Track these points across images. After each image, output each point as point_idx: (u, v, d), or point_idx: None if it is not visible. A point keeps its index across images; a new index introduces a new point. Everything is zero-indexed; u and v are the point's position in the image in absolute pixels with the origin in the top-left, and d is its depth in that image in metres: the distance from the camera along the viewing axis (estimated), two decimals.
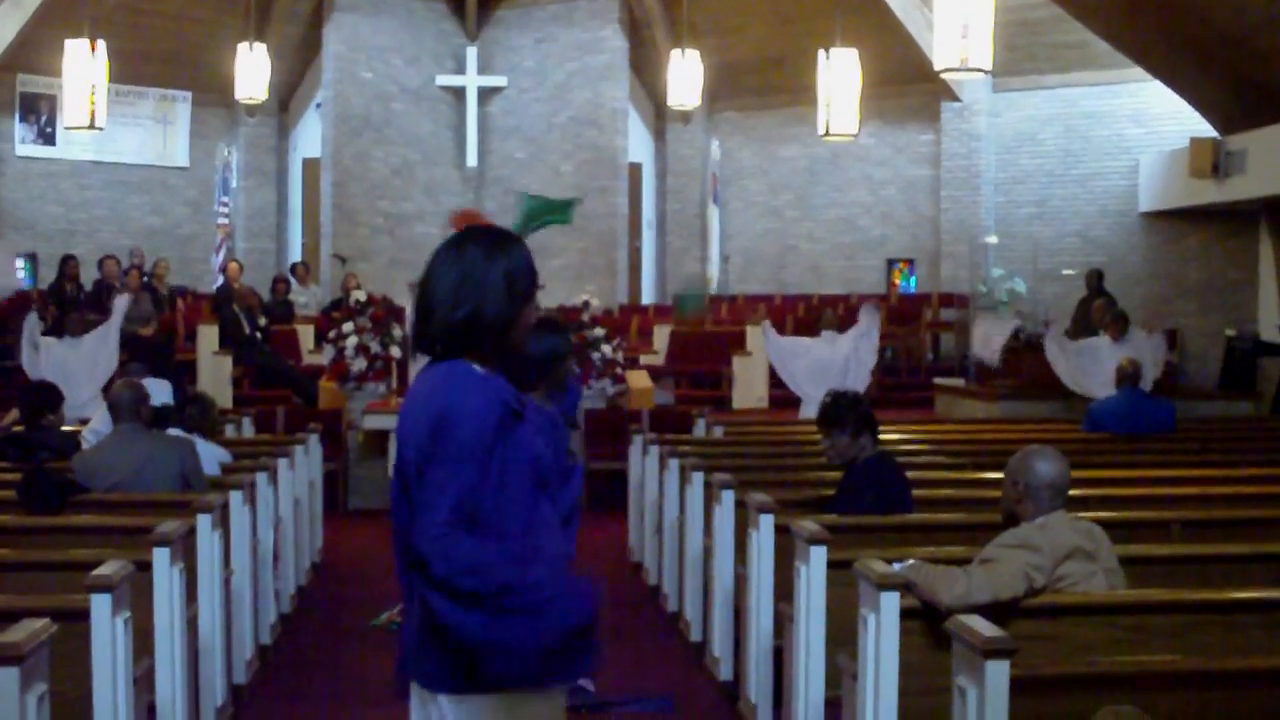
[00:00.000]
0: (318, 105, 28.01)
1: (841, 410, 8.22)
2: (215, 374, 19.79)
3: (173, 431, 9.78)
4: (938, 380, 22.10)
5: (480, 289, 4.07)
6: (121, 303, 18.26)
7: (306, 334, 21.94)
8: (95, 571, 6.11)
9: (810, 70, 22.31)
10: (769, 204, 28.03)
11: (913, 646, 6.00)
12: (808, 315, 22.95)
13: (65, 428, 11.21)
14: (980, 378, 20.86)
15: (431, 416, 3.98)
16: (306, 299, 24.55)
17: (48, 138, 25.83)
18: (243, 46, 23.64)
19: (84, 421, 12.21)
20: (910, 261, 26.94)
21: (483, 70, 28.64)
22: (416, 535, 3.94)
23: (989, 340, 20.05)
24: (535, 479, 4.06)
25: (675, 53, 25.04)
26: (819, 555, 6.99)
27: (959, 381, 21.53)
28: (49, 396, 10.73)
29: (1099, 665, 5.73)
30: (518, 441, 4.01)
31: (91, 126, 21.60)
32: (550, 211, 13.16)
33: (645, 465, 12.45)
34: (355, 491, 15.97)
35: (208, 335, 20.33)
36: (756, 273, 28.11)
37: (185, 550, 7.49)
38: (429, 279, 4.16)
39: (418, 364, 4.27)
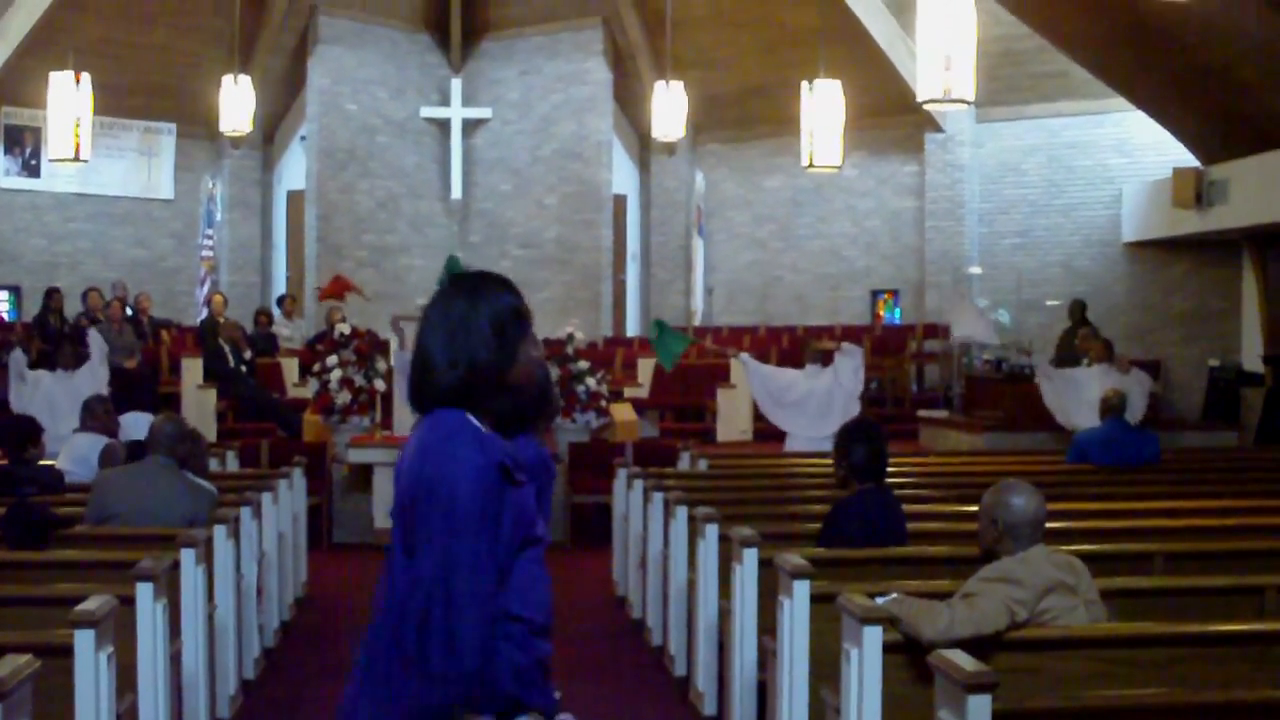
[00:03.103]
0: (302, 138, 28.03)
1: (843, 442, 8.24)
2: (199, 407, 19.75)
3: (191, 476, 9.73)
4: (922, 412, 22.10)
5: (469, 341, 3.97)
6: (95, 336, 18.27)
7: (291, 367, 21.90)
8: (78, 607, 6.10)
9: (794, 101, 22.36)
10: (753, 235, 28.07)
11: (896, 680, 6.01)
12: (792, 346, 22.97)
13: (45, 461, 11.19)
14: (967, 407, 20.86)
15: (427, 480, 3.87)
16: (291, 332, 24.51)
17: (32, 170, 25.80)
18: (227, 79, 23.63)
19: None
20: (895, 292, 26.97)
21: (467, 102, 28.70)
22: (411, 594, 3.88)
23: (971, 323, 20.02)
24: (524, 539, 4.01)
25: (659, 84, 25.07)
26: (802, 589, 6.99)
27: (944, 413, 21.53)
28: (31, 430, 10.71)
29: (1081, 699, 5.74)
30: (510, 504, 3.92)
31: (76, 159, 21.63)
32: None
33: (629, 499, 12.44)
34: (339, 525, 15.93)
35: (192, 368, 20.31)
36: (741, 304, 28.13)
37: (169, 585, 7.48)
38: (421, 338, 4.07)
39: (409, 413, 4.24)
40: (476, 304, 4.01)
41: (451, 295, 4.07)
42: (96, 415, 11.65)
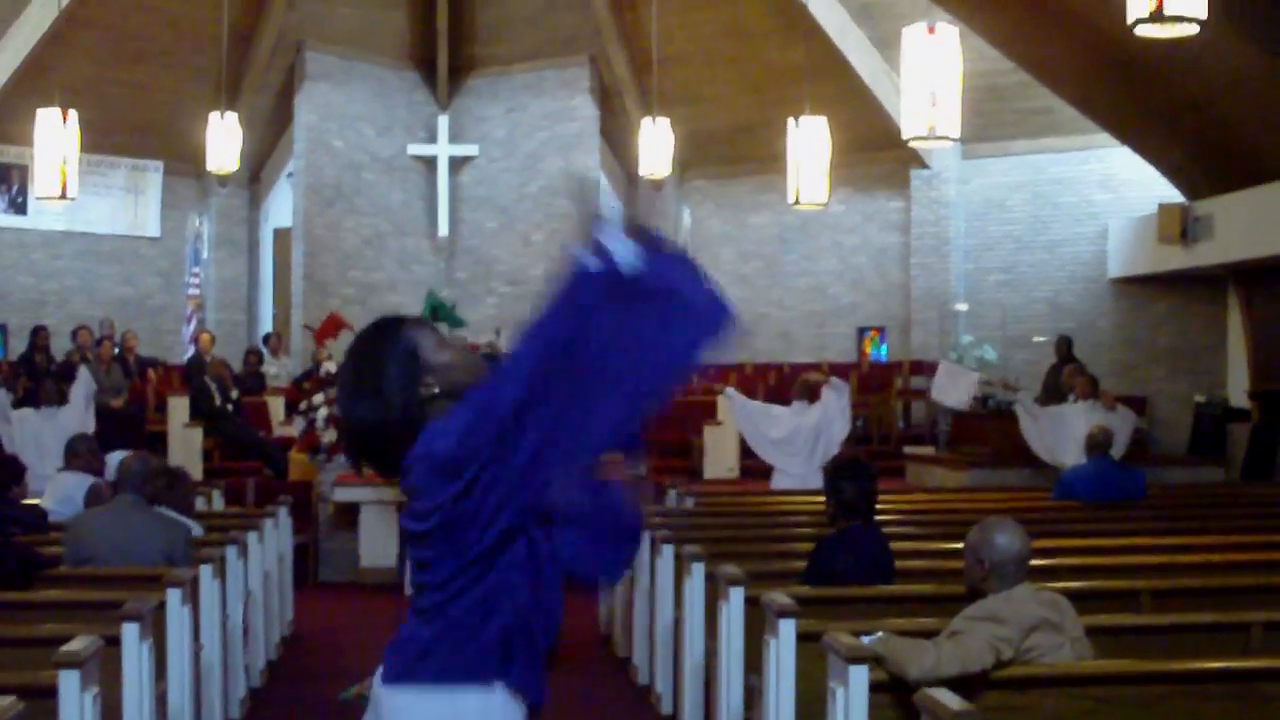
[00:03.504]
0: (289, 175, 28.02)
1: (832, 479, 8.27)
2: (186, 446, 19.71)
3: (162, 510, 9.73)
4: (908, 449, 22.10)
5: (378, 388, 4.07)
6: (83, 374, 18.27)
7: (277, 405, 21.86)
8: (63, 647, 6.10)
9: (780, 138, 22.40)
10: (739, 271, 28.04)
11: (882, 719, 6.00)
12: (778, 383, 22.96)
13: (29, 500, 11.18)
14: (953, 444, 20.87)
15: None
16: (277, 370, 24.50)
17: (19, 207, 25.76)
18: (214, 116, 23.61)
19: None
20: (881, 329, 26.97)
21: (454, 140, 28.72)
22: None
23: (953, 386, 19.98)
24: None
25: (646, 121, 25.10)
26: (788, 628, 6.99)
27: (930, 450, 21.54)
28: (14, 469, 10.72)
29: None
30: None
31: (63, 196, 21.61)
32: None
33: None
34: (326, 564, 15.91)
35: (178, 407, 20.27)
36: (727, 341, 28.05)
37: (154, 625, 7.46)
38: (348, 414, 4.18)
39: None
40: (369, 370, 4.10)
41: (351, 368, 4.17)
42: (81, 455, 11.63)
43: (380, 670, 4.09)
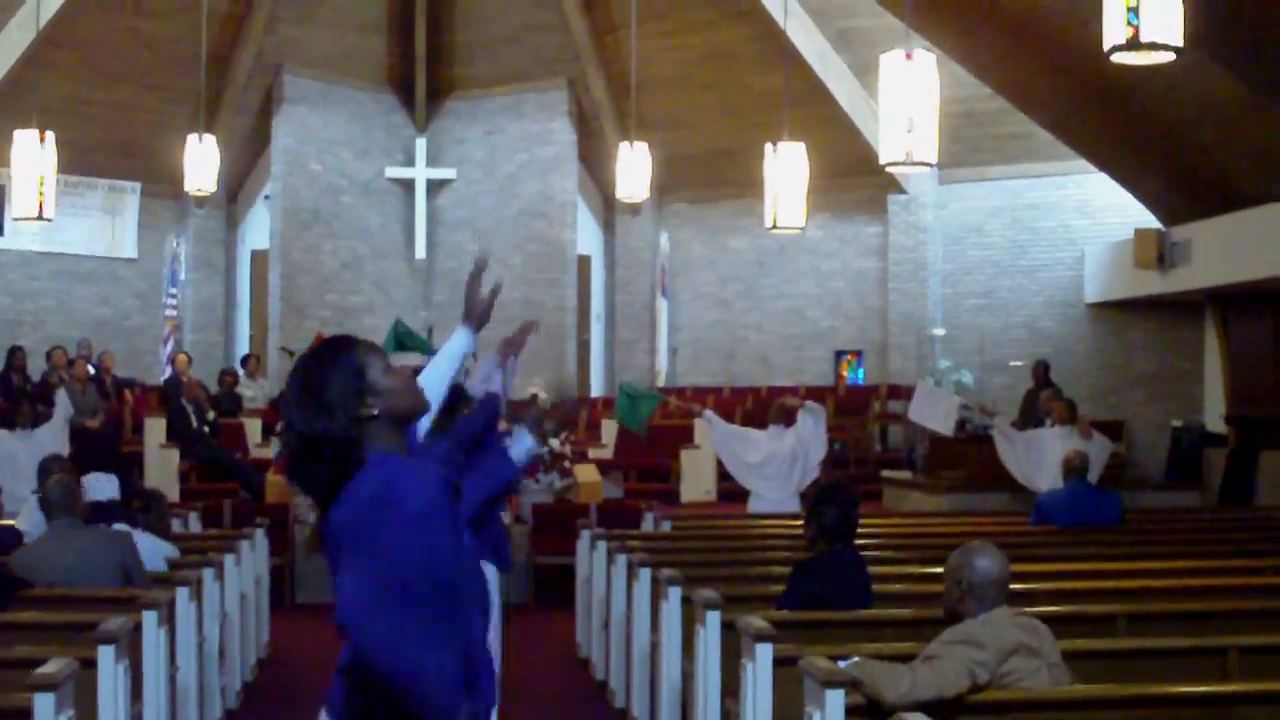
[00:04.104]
0: (266, 197, 28.02)
1: (813, 503, 8.28)
2: (162, 467, 19.69)
3: (118, 526, 9.69)
4: (885, 473, 22.12)
5: (325, 413, 4.09)
6: (62, 396, 18.23)
7: (254, 427, 21.85)
8: (38, 670, 6.07)
9: (758, 163, 22.42)
10: (717, 295, 28.11)
11: None
12: (756, 407, 22.98)
13: (4, 522, 11.13)
14: (930, 468, 20.89)
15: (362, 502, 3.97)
16: (254, 392, 24.46)
17: None
18: (192, 138, 23.57)
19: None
20: (858, 353, 27.03)
21: (432, 162, 28.76)
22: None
23: (932, 409, 19.93)
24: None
25: (624, 145, 25.07)
26: (765, 652, 6.99)
27: (907, 474, 21.55)
28: None
29: None
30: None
31: (40, 217, 21.54)
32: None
33: (593, 560, 12.42)
34: (302, 586, 15.86)
35: (155, 428, 20.25)
36: (705, 364, 28.15)
37: (130, 647, 7.43)
38: (291, 430, 4.22)
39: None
40: (314, 385, 4.14)
41: (295, 385, 4.20)
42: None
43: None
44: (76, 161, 24.62)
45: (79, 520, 9.05)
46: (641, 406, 16.31)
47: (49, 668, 6.09)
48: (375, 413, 4.09)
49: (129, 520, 10.02)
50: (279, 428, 17.02)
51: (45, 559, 8.81)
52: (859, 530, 8.56)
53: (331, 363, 4.15)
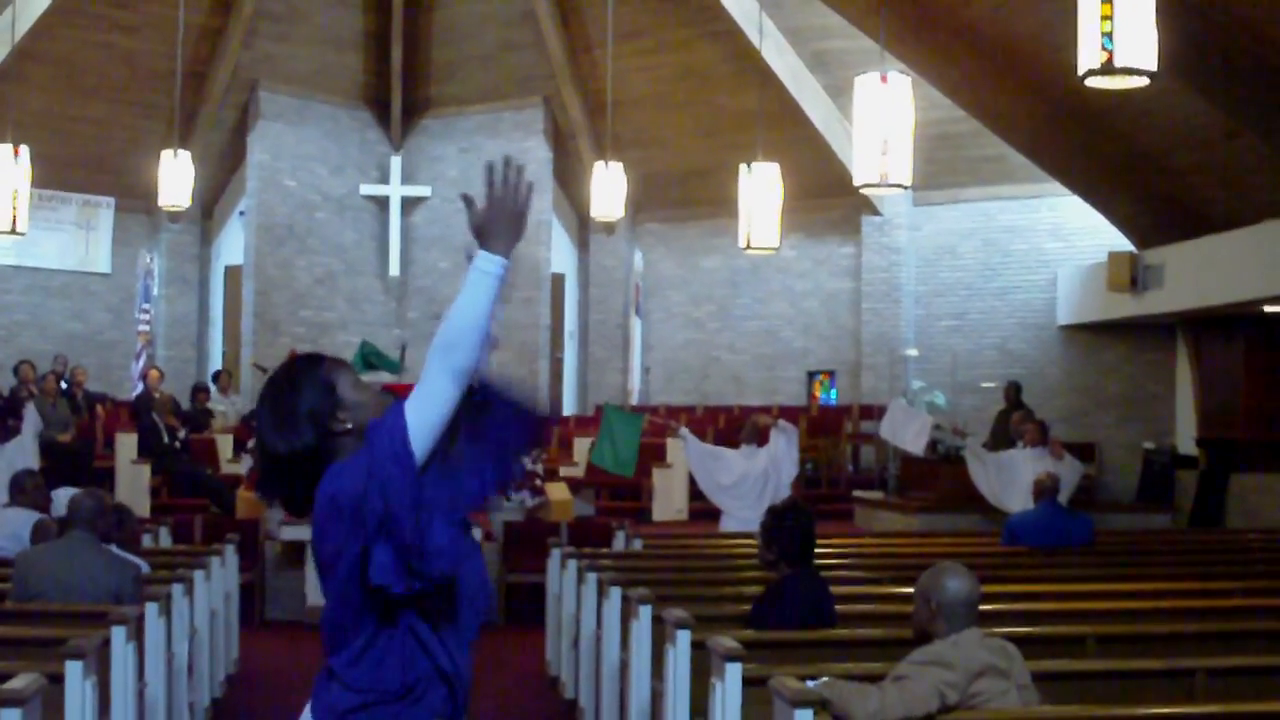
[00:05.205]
0: (241, 213, 27.96)
1: (770, 526, 8.27)
2: (133, 482, 19.65)
3: (113, 549, 9.64)
4: (857, 493, 22.17)
5: (295, 428, 4.16)
6: (30, 410, 18.19)
7: (225, 443, 21.78)
8: (5, 685, 6.05)
9: (732, 183, 22.49)
10: (690, 315, 28.14)
11: None
12: (729, 426, 22.98)
13: None
14: (902, 488, 20.92)
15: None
16: (226, 408, 24.41)
17: None
18: (166, 153, 23.55)
19: None
20: (831, 373, 27.04)
21: (406, 180, 28.74)
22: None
23: (905, 428, 19.91)
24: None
25: (599, 164, 25.09)
26: (734, 672, 6.99)
27: (879, 494, 21.59)
28: None
29: None
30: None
31: (13, 231, 21.54)
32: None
33: (563, 579, 12.41)
34: (272, 602, 15.82)
35: (126, 443, 20.20)
36: (678, 383, 28.16)
37: (99, 663, 7.40)
38: (263, 445, 4.27)
39: None
40: (285, 400, 4.21)
41: (267, 400, 4.27)
42: (26, 490, 11.53)
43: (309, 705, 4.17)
44: (51, 175, 24.58)
45: (97, 539, 9.02)
46: (622, 444, 16.30)
47: (16, 683, 6.07)
48: (348, 426, 4.12)
49: (102, 536, 9.98)
50: (250, 445, 16.98)
51: (49, 566, 8.78)
52: (829, 549, 8.58)
53: (302, 379, 4.20)
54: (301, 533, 15.06)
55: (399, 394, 4.16)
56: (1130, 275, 21.52)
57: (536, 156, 28.11)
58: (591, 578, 10.94)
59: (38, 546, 9.46)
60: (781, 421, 16.08)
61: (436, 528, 3.89)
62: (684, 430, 16.54)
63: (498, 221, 4.19)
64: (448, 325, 4.00)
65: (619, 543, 14.37)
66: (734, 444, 16.16)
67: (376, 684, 4.04)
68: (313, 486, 4.06)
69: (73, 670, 6.92)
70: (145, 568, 10.40)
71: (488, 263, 4.07)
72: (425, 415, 3.94)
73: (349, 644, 4.05)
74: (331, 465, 4.06)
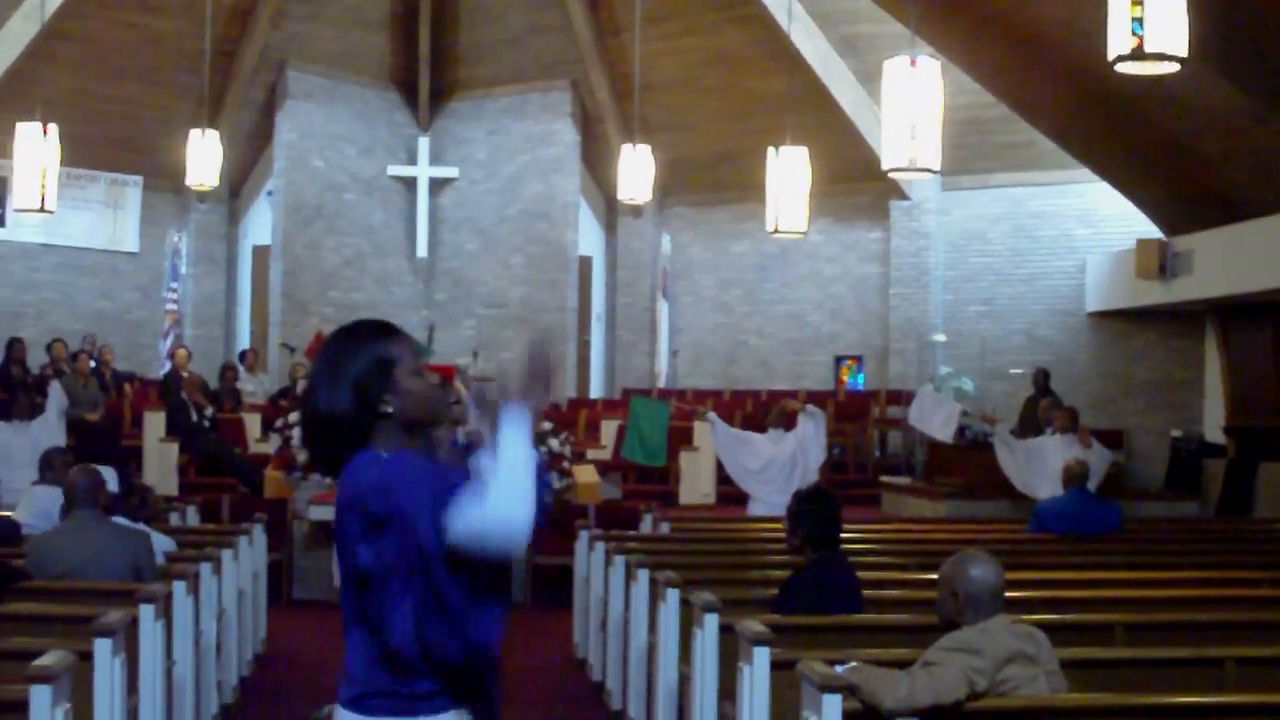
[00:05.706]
0: (269, 193, 27.98)
1: (796, 510, 8.25)
2: (161, 461, 19.68)
3: (118, 520, 9.67)
4: (884, 478, 22.12)
5: (336, 394, 4.12)
6: (55, 389, 18.22)
7: (253, 422, 21.79)
8: (36, 662, 6.05)
9: (760, 167, 22.43)
10: (719, 299, 28.11)
11: None
12: (756, 411, 22.94)
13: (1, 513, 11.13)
14: (929, 474, 20.88)
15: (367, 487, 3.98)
16: (254, 387, 24.43)
17: None
18: (195, 133, 23.54)
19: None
20: (858, 358, 27.01)
21: (434, 161, 28.74)
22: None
23: (933, 415, 19.84)
24: None
25: (626, 147, 25.04)
26: (762, 656, 6.97)
27: (906, 479, 21.54)
28: None
29: None
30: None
31: (42, 209, 21.55)
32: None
33: (591, 561, 12.42)
34: (299, 582, 15.84)
35: (154, 422, 20.22)
36: (706, 368, 28.13)
37: (128, 641, 7.41)
38: (309, 396, 4.23)
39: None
40: (343, 360, 4.15)
41: (325, 352, 4.23)
42: (56, 468, 11.55)
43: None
44: (79, 154, 24.57)
45: (101, 514, 9.04)
46: (651, 435, 16.28)
47: (46, 660, 6.07)
48: (390, 410, 4.09)
49: (129, 514, 10.01)
50: (278, 423, 17.00)
51: (63, 549, 8.79)
52: (856, 535, 8.56)
53: (364, 346, 4.16)
54: (329, 513, 15.07)
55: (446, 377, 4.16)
56: (1159, 262, 21.45)
57: (563, 139, 28.13)
58: (619, 560, 10.94)
59: (46, 532, 9.44)
60: (810, 406, 16.07)
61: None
62: (712, 414, 16.54)
63: (532, 388, 4.04)
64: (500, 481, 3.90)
65: (646, 526, 14.37)
66: (761, 428, 16.16)
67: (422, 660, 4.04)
68: (342, 454, 4.06)
69: (102, 648, 6.92)
70: (172, 545, 10.44)
71: (518, 413, 3.95)
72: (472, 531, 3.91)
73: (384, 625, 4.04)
74: (366, 454, 4.03)
